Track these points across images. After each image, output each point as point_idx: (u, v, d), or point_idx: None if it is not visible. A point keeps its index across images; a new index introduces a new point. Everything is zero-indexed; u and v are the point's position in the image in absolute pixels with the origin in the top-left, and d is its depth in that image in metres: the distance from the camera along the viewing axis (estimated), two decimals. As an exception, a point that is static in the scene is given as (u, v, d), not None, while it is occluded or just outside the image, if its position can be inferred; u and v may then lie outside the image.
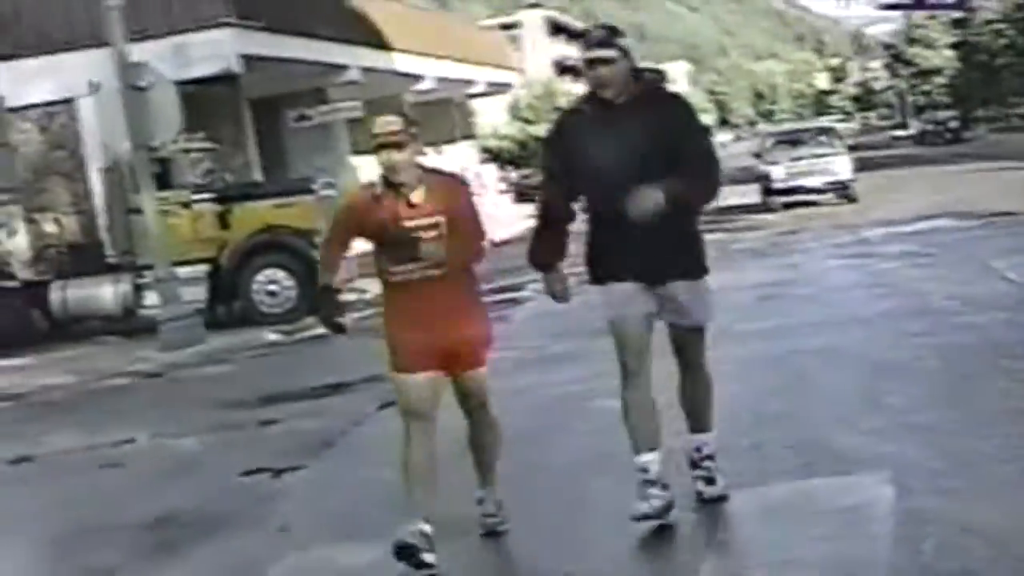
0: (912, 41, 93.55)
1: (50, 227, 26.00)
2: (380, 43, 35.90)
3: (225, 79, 25.90)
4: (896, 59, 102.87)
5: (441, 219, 6.91)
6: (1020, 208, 22.46)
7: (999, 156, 44.87)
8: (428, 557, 6.68)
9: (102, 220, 24.75)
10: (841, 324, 13.01)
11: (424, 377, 6.92)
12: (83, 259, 24.57)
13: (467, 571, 7.03)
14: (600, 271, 7.07)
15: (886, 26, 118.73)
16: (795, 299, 15.67)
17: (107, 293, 23.21)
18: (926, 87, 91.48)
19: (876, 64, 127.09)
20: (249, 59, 26.30)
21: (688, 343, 7.13)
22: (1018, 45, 56.23)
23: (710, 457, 7.17)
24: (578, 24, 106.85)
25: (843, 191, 32.59)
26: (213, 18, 25.37)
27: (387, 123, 6.85)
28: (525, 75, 62.84)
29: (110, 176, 23.56)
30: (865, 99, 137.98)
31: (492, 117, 58.47)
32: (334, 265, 7.27)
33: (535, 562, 6.95)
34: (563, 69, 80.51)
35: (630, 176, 6.67)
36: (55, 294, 23.34)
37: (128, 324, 23.26)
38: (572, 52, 77.69)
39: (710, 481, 7.13)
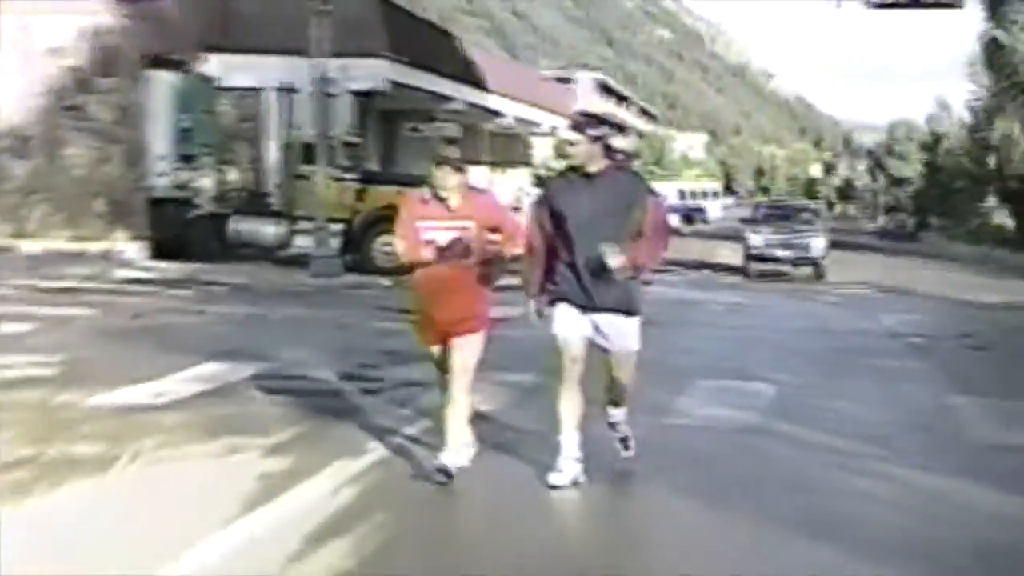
0: (891, 152, 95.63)
1: (232, 176, 29.31)
2: (479, 84, 39.67)
3: (371, 94, 30.05)
4: (877, 165, 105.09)
5: (471, 223, 7.34)
6: (923, 290, 26.89)
7: (939, 257, 47.55)
8: (460, 462, 7.32)
9: (271, 178, 28.69)
10: (774, 330, 17.71)
11: (433, 347, 7.56)
12: (253, 203, 28.29)
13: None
14: (556, 296, 7.36)
15: (874, 135, 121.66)
16: (750, 314, 20.16)
17: (269, 230, 27.09)
18: (896, 192, 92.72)
19: (861, 166, 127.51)
20: (392, 83, 30.63)
21: (614, 366, 7.42)
22: (972, 173, 56.45)
23: (615, 421, 7.66)
24: (621, 88, 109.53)
25: (815, 267, 30.74)
26: (373, 50, 29.58)
27: (449, 151, 7.85)
28: None
29: (287, 150, 27.66)
30: (847, 192, 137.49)
31: (544, 151, 60.41)
32: (412, 240, 7.37)
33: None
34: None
35: (592, 229, 7.10)
36: (231, 224, 27.19)
37: (278, 256, 26.91)
38: (613, 108, 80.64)
39: (624, 440, 7.69)
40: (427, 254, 7.29)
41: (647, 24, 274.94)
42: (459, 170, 7.34)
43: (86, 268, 23.08)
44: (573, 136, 7.29)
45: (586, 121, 7.36)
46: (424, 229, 7.29)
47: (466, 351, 7.34)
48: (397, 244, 7.60)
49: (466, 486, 7.24)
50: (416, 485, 7.30)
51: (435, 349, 7.52)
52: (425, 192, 7.37)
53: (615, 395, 7.55)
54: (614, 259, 6.95)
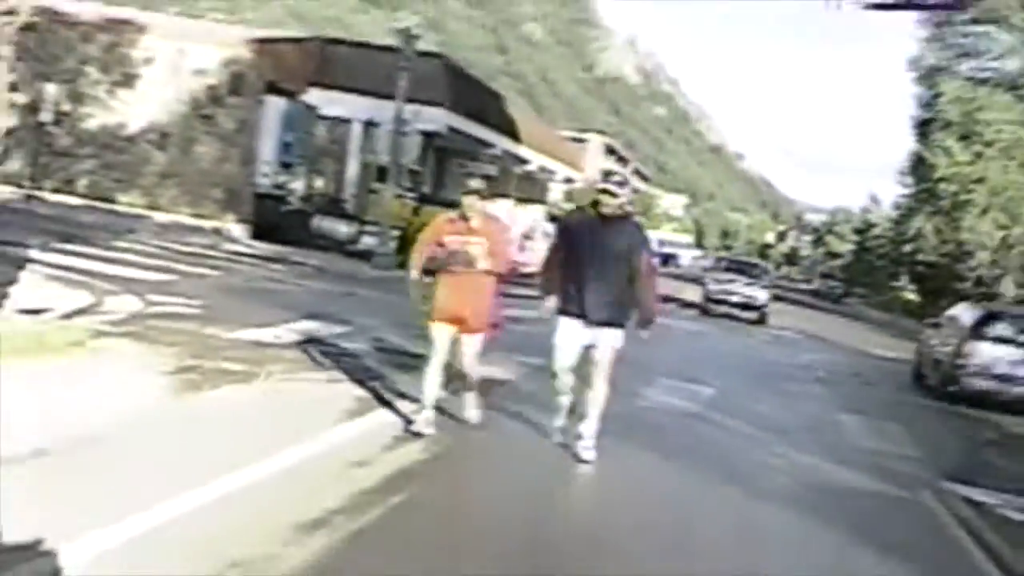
0: (831, 231, 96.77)
1: (319, 183, 30.59)
2: (514, 136, 40.63)
3: (432, 134, 31.18)
4: (818, 240, 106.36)
5: (485, 240, 7.60)
6: (837, 340, 28.19)
7: (856, 318, 48.77)
8: (424, 428, 7.62)
9: (348, 189, 29.92)
10: (719, 353, 19.07)
11: (446, 327, 7.71)
12: (333, 206, 29.53)
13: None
14: (561, 308, 7.57)
15: (820, 215, 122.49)
16: (703, 339, 21.35)
17: (342, 229, 28.25)
18: (831, 263, 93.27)
19: (806, 238, 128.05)
20: (449, 127, 31.75)
21: (599, 362, 7.51)
22: (891, 256, 56.91)
23: (581, 437, 7.67)
24: (622, 151, 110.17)
25: (758, 313, 29.79)
26: (438, 101, 30.58)
27: (476, 183, 7.85)
28: (584, 175, 64.52)
29: (363, 169, 28.95)
30: (792, 258, 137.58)
31: (556, 195, 61.12)
32: (423, 252, 7.70)
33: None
34: (607, 176, 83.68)
35: (599, 262, 7.39)
36: (315, 220, 28.43)
37: (347, 249, 27.85)
38: (616, 166, 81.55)
39: (587, 449, 7.65)
40: (443, 256, 7.58)
41: (647, 101, 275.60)
42: (482, 199, 7.69)
43: (204, 239, 24.33)
44: (612, 188, 7.44)
45: (618, 182, 7.73)
46: (449, 241, 7.61)
47: (468, 347, 7.79)
48: (414, 255, 7.84)
49: (492, 425, 8.39)
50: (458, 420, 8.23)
51: (441, 329, 7.69)
52: (454, 213, 7.73)
53: (590, 406, 7.62)
54: (643, 336, 7.60)
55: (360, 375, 9.65)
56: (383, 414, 8.29)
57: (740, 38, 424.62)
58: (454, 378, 8.03)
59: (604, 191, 7.41)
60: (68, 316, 10.90)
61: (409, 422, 7.76)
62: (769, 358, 19.57)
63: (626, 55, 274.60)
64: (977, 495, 8.54)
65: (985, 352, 16.03)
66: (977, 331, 16.42)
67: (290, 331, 11.91)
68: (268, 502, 5.62)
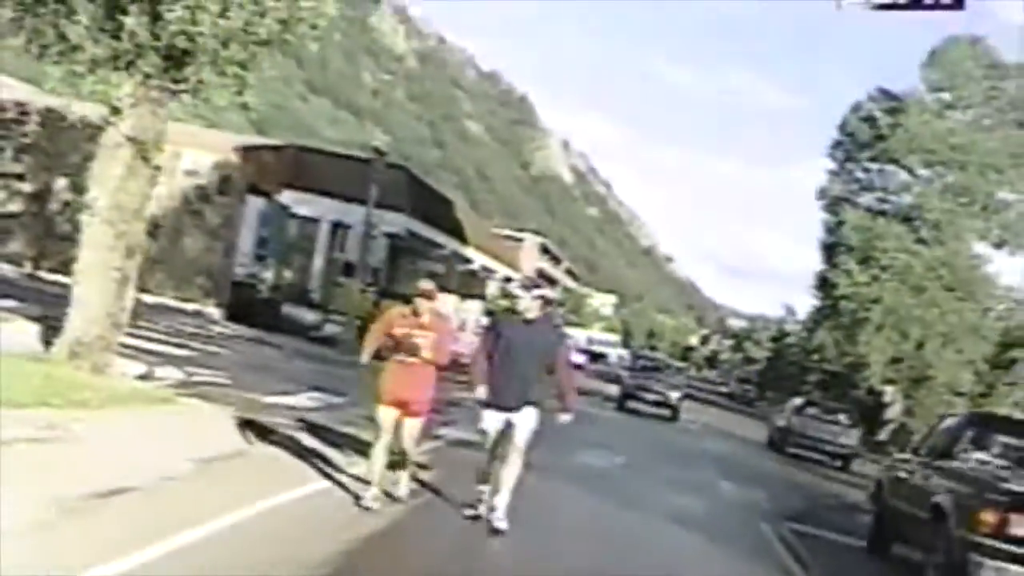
0: (749, 337, 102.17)
1: (288, 274, 34.09)
2: (461, 238, 44.77)
3: (393, 236, 35.08)
4: (737, 346, 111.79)
5: (432, 334, 8.20)
6: (736, 433, 32.51)
7: (761, 418, 50.00)
8: (371, 503, 8.18)
9: (315, 281, 33.61)
10: (633, 435, 23.04)
11: (392, 410, 8.32)
12: (300, 296, 33.19)
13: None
14: (486, 399, 8.37)
15: (740, 321, 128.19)
16: (620, 425, 25.20)
17: (308, 316, 31.93)
18: (748, 367, 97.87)
19: (727, 343, 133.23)
20: (408, 230, 35.68)
21: (516, 443, 8.31)
22: (801, 362, 60.47)
23: (495, 508, 8.36)
24: (556, 249, 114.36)
25: (671, 409, 30.91)
26: (398, 206, 34.38)
27: (427, 284, 8.45)
28: (521, 273, 66.89)
29: (330, 264, 32.72)
30: (712, 361, 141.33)
31: (493, 291, 64.22)
32: (374, 341, 8.41)
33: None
34: (540, 274, 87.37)
35: (522, 357, 8.22)
36: (284, 308, 32.12)
37: (311, 335, 31.45)
38: (548, 267, 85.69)
39: (499, 520, 8.31)
40: (395, 351, 8.27)
41: (580, 201, 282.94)
42: (431, 299, 8.30)
43: (190, 319, 27.86)
44: (523, 293, 8.54)
45: (533, 283, 8.97)
46: (400, 331, 8.26)
47: (411, 429, 8.48)
48: (368, 339, 8.63)
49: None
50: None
51: (388, 412, 8.36)
52: (407, 308, 8.40)
53: (504, 481, 8.37)
54: (565, 419, 8.63)
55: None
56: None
57: (669, 147, 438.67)
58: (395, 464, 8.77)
59: (516, 296, 8.65)
60: (140, 379, 14.49)
61: (358, 498, 8.49)
62: (675, 442, 23.72)
63: (561, 156, 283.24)
64: (796, 526, 12.68)
65: (808, 424, 27.98)
66: (799, 410, 29.71)
67: (307, 399, 15.64)
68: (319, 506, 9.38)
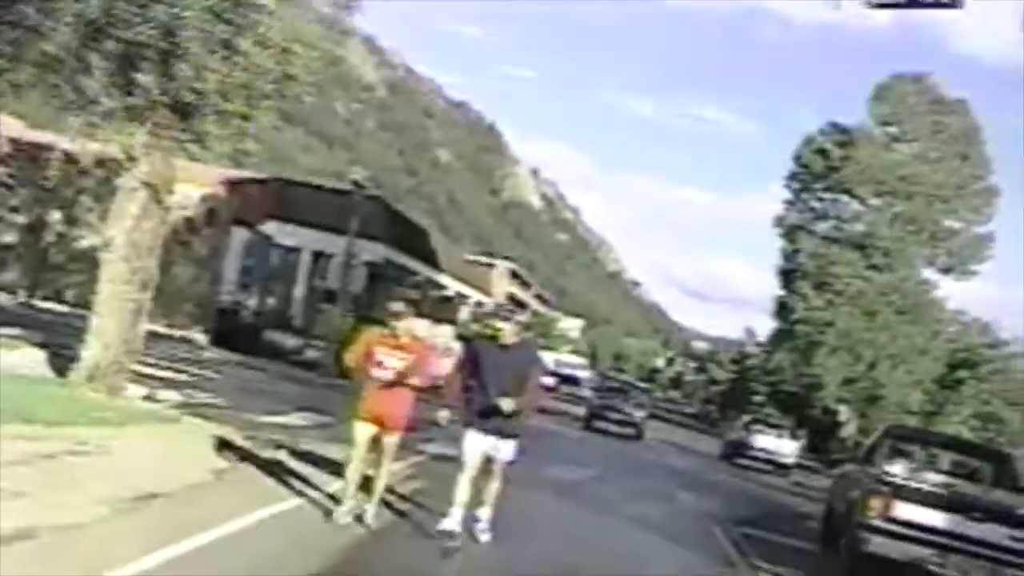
0: (712, 359, 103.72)
1: (270, 301, 34.97)
2: (435, 265, 45.96)
3: (372, 264, 36.09)
4: (700, 368, 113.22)
5: (411, 355, 8.38)
6: (699, 449, 33.70)
7: (722, 436, 54.41)
8: (342, 519, 8.41)
9: (296, 307, 34.62)
10: (601, 452, 24.20)
11: (368, 426, 8.51)
12: (282, 321, 34.19)
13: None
14: (467, 421, 8.50)
15: (704, 344, 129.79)
16: (588, 442, 26.42)
17: (290, 341, 32.88)
18: (711, 388, 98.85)
19: (692, 365, 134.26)
20: (386, 259, 36.81)
21: (496, 470, 8.59)
22: (761, 383, 61.69)
23: (479, 520, 8.64)
24: (526, 273, 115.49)
25: (635, 429, 31.78)
26: (378, 236, 35.51)
27: (397, 305, 8.61)
28: (492, 298, 67.21)
29: (311, 292, 33.75)
30: (677, 382, 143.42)
31: (465, 315, 65.66)
32: (358, 359, 8.56)
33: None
34: (511, 299, 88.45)
35: (499, 381, 8.30)
36: (266, 334, 33.11)
37: (292, 359, 32.51)
38: (519, 292, 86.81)
39: (483, 532, 8.64)
40: (375, 370, 8.42)
41: (549, 227, 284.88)
42: (399, 319, 8.48)
43: (179, 345, 28.78)
44: (503, 324, 8.57)
45: (511, 311, 9.27)
46: (379, 352, 8.46)
47: (389, 443, 8.64)
48: (348, 357, 8.78)
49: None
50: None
51: (363, 428, 8.55)
52: (386, 330, 8.54)
53: (486, 496, 8.67)
54: (507, 404, 8.31)
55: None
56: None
57: (634, 175, 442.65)
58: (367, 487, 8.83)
59: (496, 329, 8.60)
60: (145, 400, 15.53)
61: (328, 513, 8.78)
62: (640, 458, 24.95)
63: (530, 183, 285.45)
64: (745, 530, 13.92)
65: (755, 439, 31.54)
66: (747, 426, 33.46)
67: (298, 418, 16.70)
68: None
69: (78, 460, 9.41)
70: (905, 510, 10.23)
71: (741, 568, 11.24)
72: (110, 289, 13.51)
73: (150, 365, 20.77)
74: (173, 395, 16.82)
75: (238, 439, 12.82)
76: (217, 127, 13.25)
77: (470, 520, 8.65)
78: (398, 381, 8.39)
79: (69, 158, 30.98)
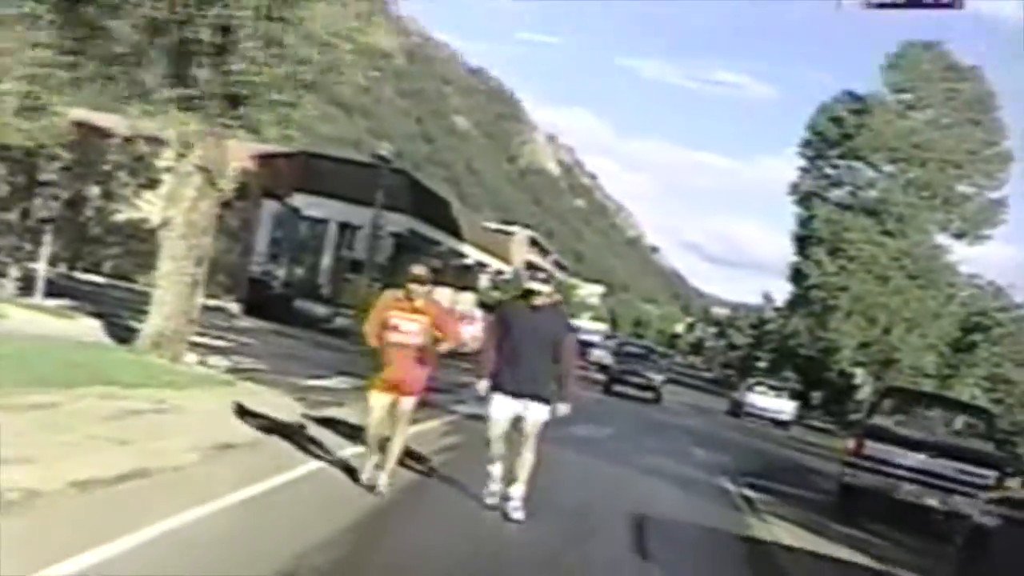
0: (732, 325, 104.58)
1: (298, 271, 36.53)
2: (458, 235, 47.32)
3: (397, 235, 37.46)
4: (720, 333, 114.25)
5: (426, 319, 8.25)
6: (713, 410, 35.05)
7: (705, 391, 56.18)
8: (364, 479, 8.54)
9: (323, 277, 36.00)
10: (619, 413, 25.50)
11: (384, 395, 8.47)
12: (311, 291, 35.61)
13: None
14: (495, 385, 8.33)
15: (723, 310, 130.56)
16: (609, 405, 27.66)
17: (319, 310, 34.35)
18: (731, 354, 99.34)
19: (711, 330, 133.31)
20: (410, 230, 38.12)
21: (528, 433, 8.33)
22: (779, 349, 62.39)
23: (511, 498, 8.37)
24: (544, 241, 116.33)
25: (654, 393, 32.66)
26: (403, 208, 36.94)
27: (419, 269, 8.45)
28: (512, 266, 68.68)
29: (338, 262, 35.09)
30: (697, 348, 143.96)
31: (485, 283, 63.29)
32: (376, 328, 8.35)
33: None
34: (529, 266, 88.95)
35: (529, 345, 8.22)
36: (296, 302, 34.54)
37: (322, 327, 33.69)
38: (537, 259, 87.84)
39: (516, 510, 8.33)
40: (391, 334, 8.29)
41: (567, 193, 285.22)
42: (422, 284, 8.31)
43: (215, 315, 30.13)
44: (538, 286, 8.46)
45: (545, 278, 9.09)
46: (394, 317, 8.31)
47: (404, 406, 8.49)
48: (366, 327, 8.56)
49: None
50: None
51: (379, 398, 8.50)
52: (400, 293, 8.37)
53: (519, 471, 8.43)
54: (564, 410, 8.54)
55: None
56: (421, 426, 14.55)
57: (652, 140, 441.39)
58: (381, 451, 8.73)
59: (530, 291, 8.41)
60: (199, 365, 16.92)
61: (356, 477, 8.83)
62: (658, 419, 26.28)
63: (547, 149, 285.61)
64: (752, 481, 15.29)
65: (756, 398, 35.87)
66: (750, 387, 38.20)
67: (338, 381, 18.05)
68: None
69: (160, 417, 10.79)
70: (873, 448, 12.60)
71: (746, 512, 12.57)
72: (170, 265, 14.88)
73: (197, 334, 22.25)
74: (222, 361, 18.19)
75: (289, 399, 14.19)
76: (266, 115, 14.54)
77: (502, 499, 8.53)
78: (422, 349, 8.32)
79: (104, 134, 32.27)
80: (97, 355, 14.41)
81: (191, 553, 6.14)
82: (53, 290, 23.00)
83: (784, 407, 36.63)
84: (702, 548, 10.10)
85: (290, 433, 11.15)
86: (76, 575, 5.19)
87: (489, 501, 8.53)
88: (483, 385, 8.45)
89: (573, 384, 8.64)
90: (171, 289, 14.87)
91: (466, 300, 50.67)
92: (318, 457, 9.89)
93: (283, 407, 13.37)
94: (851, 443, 13.36)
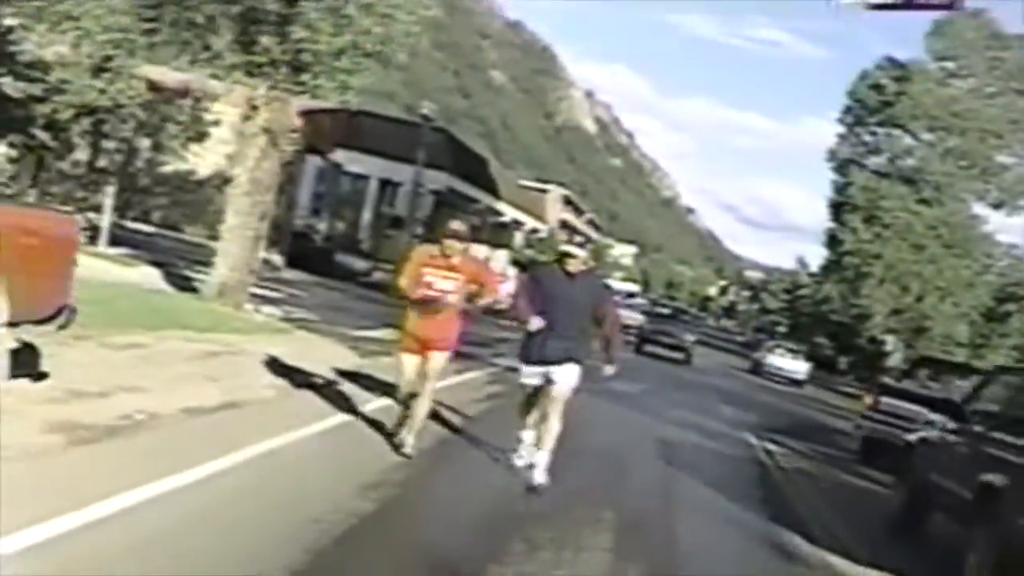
0: (765, 289, 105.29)
1: (339, 226, 37.99)
2: (494, 192, 48.46)
3: (437, 192, 38.66)
4: (754, 296, 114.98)
5: (461, 276, 8.08)
6: (740, 372, 36.23)
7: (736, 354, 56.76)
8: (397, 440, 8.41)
9: (364, 232, 37.32)
10: (650, 372, 26.67)
11: (414, 357, 8.36)
12: (351, 245, 36.90)
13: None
14: (524, 355, 8.37)
15: (759, 273, 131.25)
16: (640, 364, 28.82)
17: (359, 264, 35.59)
18: (764, 317, 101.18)
19: (745, 294, 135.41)
20: (448, 187, 39.29)
21: (556, 397, 8.16)
22: (812, 313, 62.21)
23: (535, 465, 8.23)
24: (578, 199, 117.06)
25: (684, 353, 33.42)
26: (443, 165, 38.07)
27: (458, 225, 8.21)
28: (546, 225, 69.36)
29: (377, 218, 36.35)
30: (730, 311, 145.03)
31: (520, 241, 63.82)
32: (412, 280, 8.10)
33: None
34: (563, 225, 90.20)
35: (565, 314, 8.09)
36: (337, 256, 35.83)
37: (362, 281, 35.12)
38: (572, 218, 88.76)
39: (539, 476, 8.18)
40: (423, 290, 8.05)
41: (603, 152, 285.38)
42: (460, 240, 8.06)
43: (262, 267, 31.54)
44: (574, 250, 8.36)
45: (580, 243, 9.54)
46: (428, 274, 8.05)
47: (436, 361, 8.27)
48: (401, 279, 8.25)
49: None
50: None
51: (409, 359, 8.39)
52: (435, 249, 8.15)
53: (545, 440, 8.24)
54: (609, 371, 8.55)
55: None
56: (467, 375, 15.80)
57: (692, 99, 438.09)
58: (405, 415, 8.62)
59: (567, 254, 8.28)
60: (256, 313, 18.23)
61: (391, 435, 8.77)
62: (688, 378, 27.48)
63: (584, 106, 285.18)
64: (776, 436, 16.49)
65: (774, 359, 40.50)
66: (770, 349, 42.59)
67: (384, 332, 19.31)
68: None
69: (235, 358, 12.09)
70: (885, 403, 14.63)
71: (768, 465, 13.77)
72: (234, 220, 16.16)
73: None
74: (274, 310, 19.53)
75: (343, 348, 15.48)
76: (327, 81, 15.71)
77: (525, 469, 8.44)
78: (455, 307, 8.18)
79: (154, 87, 33.57)
80: (167, 301, 15.76)
81: (291, 468, 7.42)
82: (113, 239, 24.41)
83: (799, 367, 40.65)
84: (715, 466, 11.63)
85: (353, 375, 12.43)
86: (210, 476, 6.48)
87: (519, 463, 8.54)
88: (536, 321, 8.08)
89: (619, 348, 8.63)
90: (235, 242, 16.13)
91: (499, 258, 51.86)
92: (383, 395, 11.11)
93: (339, 354, 14.68)
94: (867, 399, 15.64)
